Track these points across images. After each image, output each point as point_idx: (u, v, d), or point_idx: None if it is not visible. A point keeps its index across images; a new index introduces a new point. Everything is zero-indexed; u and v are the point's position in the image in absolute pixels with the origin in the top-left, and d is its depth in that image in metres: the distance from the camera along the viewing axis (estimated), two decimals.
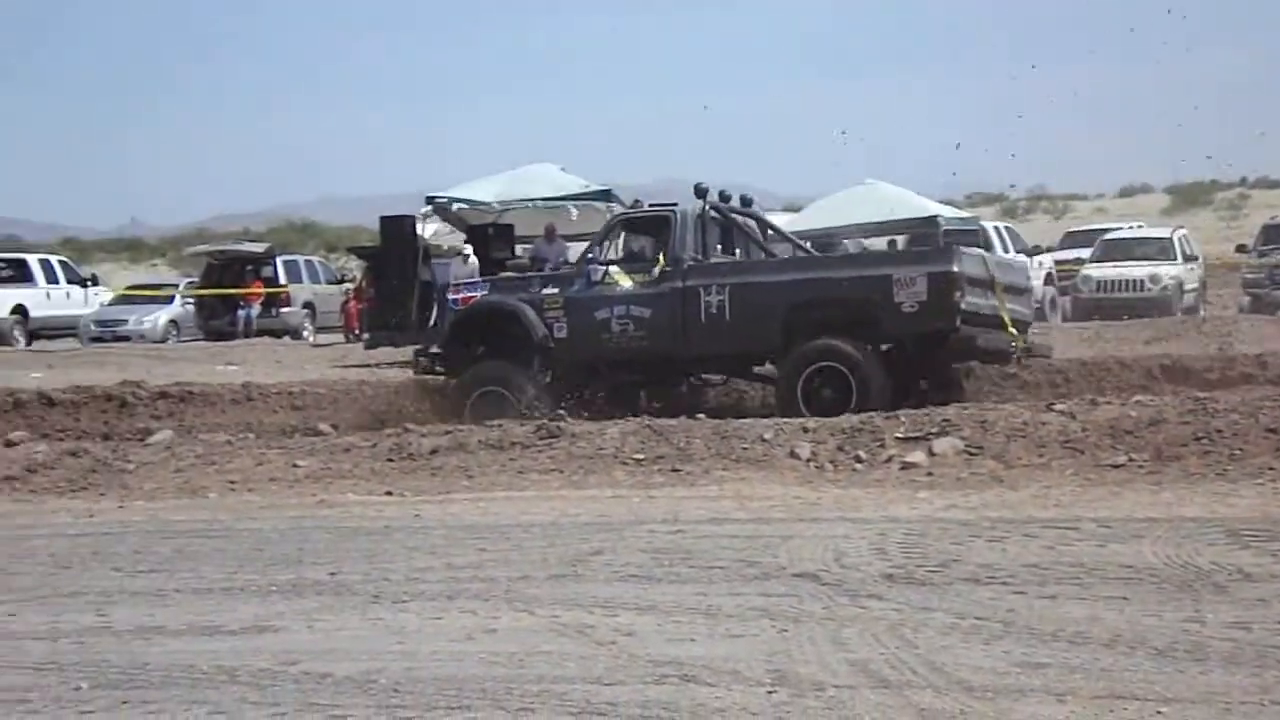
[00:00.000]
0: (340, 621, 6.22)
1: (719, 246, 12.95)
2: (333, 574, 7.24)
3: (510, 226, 21.89)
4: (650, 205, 13.71)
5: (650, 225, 12.88)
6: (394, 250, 22.30)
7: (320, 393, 15.45)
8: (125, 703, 5.01)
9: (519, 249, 22.00)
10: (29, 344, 26.51)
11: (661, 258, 12.37)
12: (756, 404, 13.08)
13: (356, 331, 25.28)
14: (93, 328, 27.21)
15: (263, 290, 28.52)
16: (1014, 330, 12.10)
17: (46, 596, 6.88)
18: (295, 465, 10.93)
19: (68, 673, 5.41)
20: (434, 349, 13.23)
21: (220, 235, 46.30)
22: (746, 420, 11.20)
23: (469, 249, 21.10)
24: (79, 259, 37.57)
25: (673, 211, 12.72)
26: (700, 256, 12.52)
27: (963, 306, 11.50)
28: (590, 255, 12.92)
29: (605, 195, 21.78)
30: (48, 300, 27.84)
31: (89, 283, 29.71)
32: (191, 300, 29.05)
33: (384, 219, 23.54)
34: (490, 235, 21.61)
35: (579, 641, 5.65)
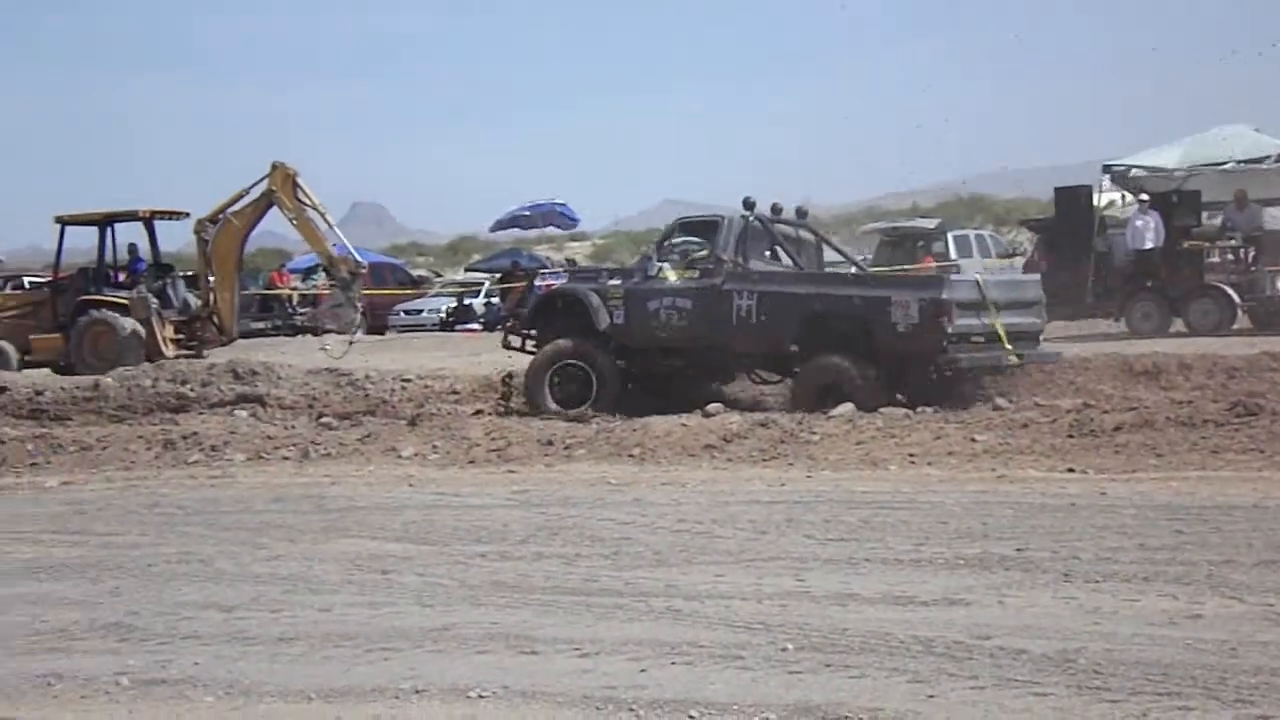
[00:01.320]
0: (1031, 598, 6.14)
1: (767, 254, 14.10)
2: (1019, 550, 7.16)
3: (1195, 193, 20.67)
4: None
5: (702, 229, 14.07)
6: (1069, 221, 21.79)
7: None
8: (828, 666, 5.21)
9: (1204, 216, 20.74)
10: None
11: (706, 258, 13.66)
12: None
13: None
14: None
15: (933, 265, 28.80)
16: (1008, 346, 12.90)
17: (749, 560, 7.31)
18: (973, 440, 10.93)
19: (774, 633, 5.71)
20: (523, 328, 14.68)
21: (891, 212, 47.17)
22: None
23: (1145, 196, 20.21)
24: None
25: (720, 218, 13.98)
26: (741, 261, 13.61)
27: (949, 330, 12.55)
28: (649, 252, 14.36)
29: None
30: None
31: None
32: None
33: (1059, 190, 23.04)
34: (1174, 203, 20.53)
35: None
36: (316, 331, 29.42)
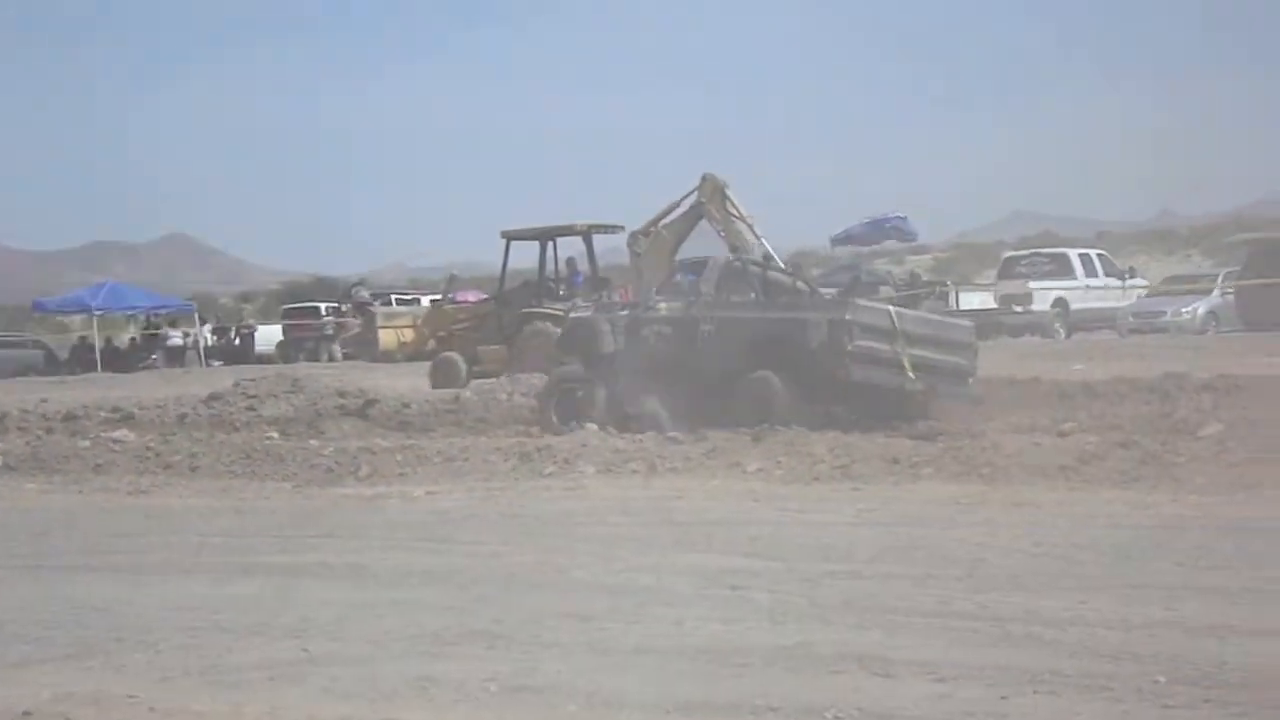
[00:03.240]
0: None
1: (752, 295, 15.92)
2: None
3: None
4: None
5: (695, 268, 16.69)
6: None
7: None
8: (1207, 701, 4.92)
9: None
10: (1068, 336, 27.40)
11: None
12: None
13: None
14: (1130, 320, 27.47)
15: None
16: (912, 374, 14.47)
17: (1113, 587, 6.98)
18: None
19: (1144, 664, 5.43)
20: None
21: (1260, 222, 44.42)
22: None
23: None
24: (1112, 251, 38.10)
25: (708, 260, 16.63)
26: (712, 296, 15.70)
27: (849, 348, 14.33)
28: (657, 287, 16.81)
29: None
30: (1086, 293, 28.59)
31: (1126, 275, 30.05)
32: (1231, 290, 28.24)
33: None
34: None
35: None
36: None
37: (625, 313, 16.25)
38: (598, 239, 22.75)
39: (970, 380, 15.50)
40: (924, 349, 14.82)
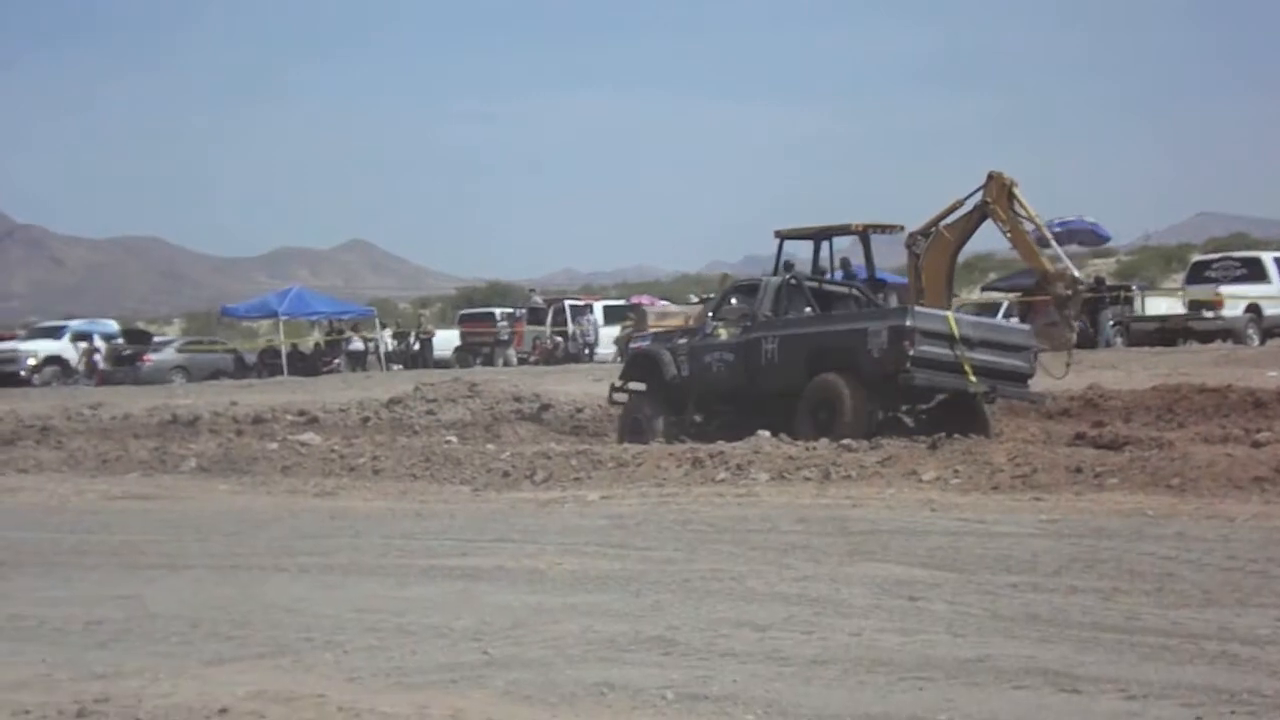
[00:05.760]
0: None
1: (807, 309, 16.31)
2: None
3: None
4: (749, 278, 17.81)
5: (749, 290, 16.75)
6: None
7: None
8: None
9: None
10: (1262, 343, 26.40)
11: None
12: None
13: None
14: None
15: None
16: (973, 378, 14.81)
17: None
18: None
19: None
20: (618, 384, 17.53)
21: None
22: None
23: None
24: None
25: (760, 281, 16.88)
26: (773, 316, 16.04)
27: (911, 353, 14.59)
28: (711, 312, 17.00)
29: None
30: None
31: None
32: None
33: None
34: None
35: None
36: None
37: (682, 341, 16.85)
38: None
39: (1029, 382, 15.79)
40: (983, 353, 15.20)
